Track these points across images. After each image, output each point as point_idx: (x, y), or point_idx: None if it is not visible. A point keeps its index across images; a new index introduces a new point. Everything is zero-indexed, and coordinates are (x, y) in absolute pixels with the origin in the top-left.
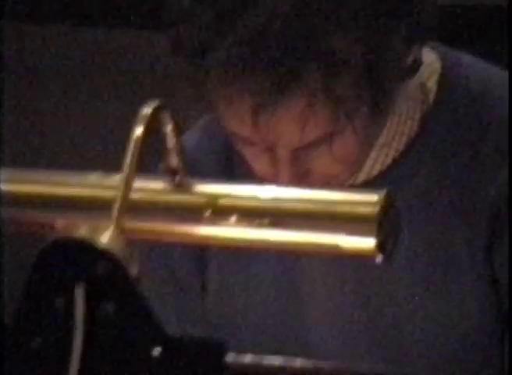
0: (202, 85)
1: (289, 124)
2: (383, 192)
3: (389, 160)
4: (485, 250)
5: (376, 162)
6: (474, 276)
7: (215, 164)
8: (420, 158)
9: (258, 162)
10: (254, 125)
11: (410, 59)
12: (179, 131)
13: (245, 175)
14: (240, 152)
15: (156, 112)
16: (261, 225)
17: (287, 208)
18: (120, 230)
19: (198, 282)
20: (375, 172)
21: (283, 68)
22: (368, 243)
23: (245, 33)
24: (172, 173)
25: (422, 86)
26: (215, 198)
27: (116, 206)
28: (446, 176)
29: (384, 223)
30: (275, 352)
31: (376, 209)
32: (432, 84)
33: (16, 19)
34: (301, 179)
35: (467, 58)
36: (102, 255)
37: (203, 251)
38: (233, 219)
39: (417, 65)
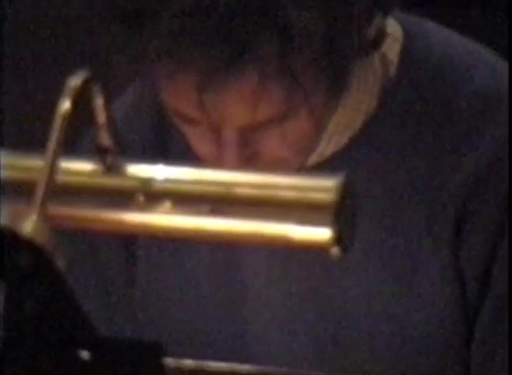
0: (139, 58)
1: (239, 103)
2: (341, 177)
3: (344, 140)
4: (451, 241)
5: (330, 142)
6: (437, 268)
7: (147, 140)
8: (379, 139)
9: (201, 143)
10: (199, 103)
11: (372, 31)
12: (110, 106)
13: (182, 155)
14: (177, 129)
15: (85, 84)
16: (199, 212)
17: (230, 193)
18: (44, 218)
19: (126, 276)
20: (328, 153)
21: (233, 41)
22: (323, 234)
23: (190, 1)
24: (102, 152)
25: (382, 58)
26: (148, 181)
27: (40, 190)
28: (406, 159)
29: (341, 212)
30: (212, 353)
31: (333, 196)
32: (392, 56)
33: None
34: (248, 162)
35: (429, 27)
36: (25, 245)
37: (131, 242)
38: (168, 205)
39: (380, 37)
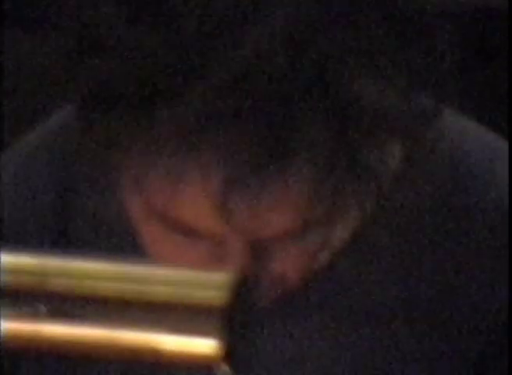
0: (136, 143)
1: (282, 209)
2: (236, 272)
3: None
4: None
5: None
6: None
7: (44, 206)
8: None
9: (183, 253)
10: (221, 209)
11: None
12: None
13: (88, 231)
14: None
15: None
16: (33, 315)
17: (77, 289)
18: None
19: None
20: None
21: (277, 124)
22: (206, 345)
23: (220, 75)
24: None
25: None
26: None
27: None
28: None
29: (233, 317)
30: None
31: (222, 295)
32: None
33: None
34: None
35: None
36: None
37: None
38: None
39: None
